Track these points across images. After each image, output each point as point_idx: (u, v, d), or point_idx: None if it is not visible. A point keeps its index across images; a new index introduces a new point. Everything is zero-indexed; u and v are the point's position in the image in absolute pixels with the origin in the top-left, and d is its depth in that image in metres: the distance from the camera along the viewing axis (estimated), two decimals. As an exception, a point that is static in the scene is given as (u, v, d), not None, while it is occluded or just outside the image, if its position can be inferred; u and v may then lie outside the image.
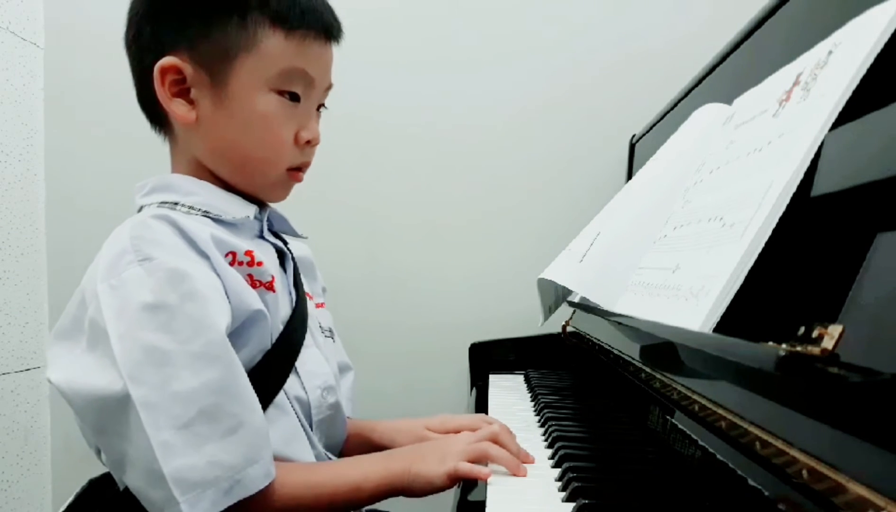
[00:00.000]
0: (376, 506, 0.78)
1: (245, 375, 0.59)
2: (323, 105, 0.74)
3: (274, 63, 0.66)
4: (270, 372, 0.65)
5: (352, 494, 0.62)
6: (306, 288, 0.77)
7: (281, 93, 0.67)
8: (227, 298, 0.61)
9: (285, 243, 0.76)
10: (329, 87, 0.73)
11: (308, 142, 0.70)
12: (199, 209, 0.66)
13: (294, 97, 0.68)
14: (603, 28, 1.37)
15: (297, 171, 0.72)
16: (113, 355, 0.54)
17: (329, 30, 0.70)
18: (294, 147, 0.70)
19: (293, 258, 0.75)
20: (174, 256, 0.59)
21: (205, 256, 0.61)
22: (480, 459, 0.62)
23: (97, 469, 0.69)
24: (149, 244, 0.59)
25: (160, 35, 0.66)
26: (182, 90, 0.66)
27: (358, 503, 0.63)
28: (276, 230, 0.76)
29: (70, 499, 0.67)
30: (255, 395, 0.59)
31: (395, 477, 0.62)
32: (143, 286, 0.57)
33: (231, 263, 0.63)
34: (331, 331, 0.82)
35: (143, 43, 0.67)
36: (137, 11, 0.68)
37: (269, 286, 0.66)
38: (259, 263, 0.66)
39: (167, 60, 0.65)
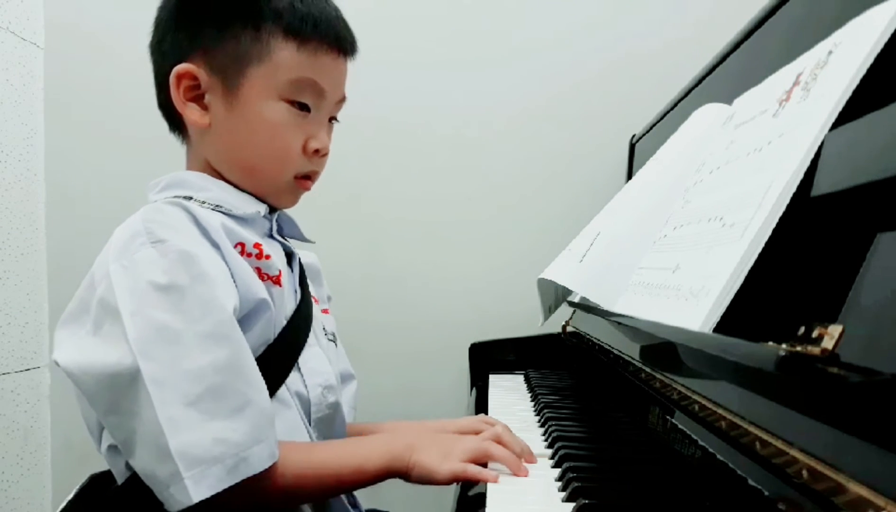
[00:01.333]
0: (377, 505, 0.78)
1: (252, 356, 0.60)
2: (335, 118, 0.75)
3: (285, 73, 0.67)
4: (272, 365, 0.65)
5: (354, 475, 0.62)
6: (313, 293, 0.78)
7: (291, 102, 0.68)
8: (235, 284, 0.62)
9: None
10: (342, 100, 0.74)
11: (316, 151, 0.71)
12: (212, 204, 0.67)
13: (304, 107, 0.69)
14: (603, 28, 1.37)
15: (305, 179, 0.73)
16: (124, 332, 0.55)
17: (341, 43, 0.71)
18: (302, 156, 0.71)
19: (300, 260, 0.76)
20: (185, 239, 0.60)
21: (214, 243, 0.62)
22: (483, 459, 0.62)
23: (97, 469, 0.69)
24: (161, 227, 0.60)
25: (179, 42, 0.68)
26: (197, 95, 0.68)
27: (360, 484, 0.64)
28: (286, 234, 0.78)
29: (72, 494, 0.67)
30: (261, 377, 0.60)
31: (396, 458, 0.62)
32: (156, 267, 0.58)
33: (240, 254, 0.64)
34: (334, 335, 0.83)
35: (165, 49, 0.69)
36: (162, 18, 0.71)
37: (276, 280, 0.67)
38: (267, 257, 0.67)
39: (182, 66, 0.67)
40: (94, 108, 1.39)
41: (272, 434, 0.58)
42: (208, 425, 0.55)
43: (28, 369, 1.37)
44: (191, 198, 0.67)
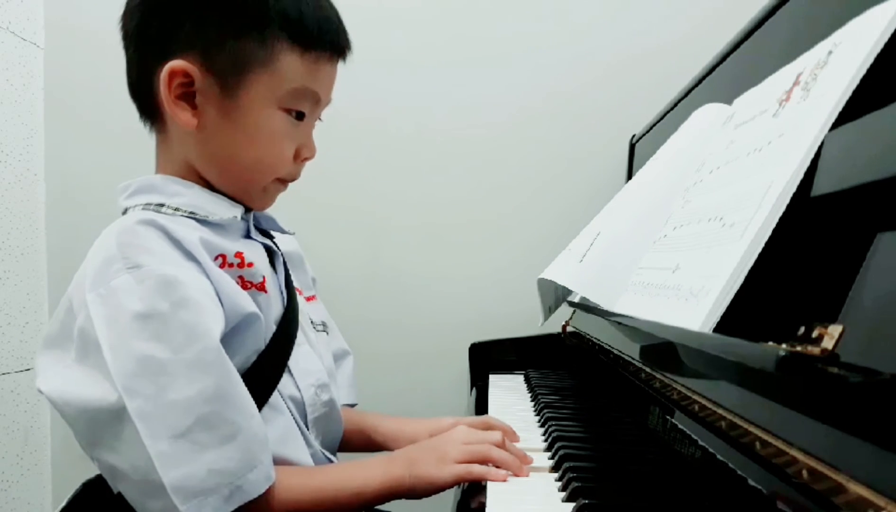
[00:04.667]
0: (376, 505, 0.78)
1: (241, 380, 0.58)
2: (318, 119, 0.74)
3: (287, 82, 0.65)
4: (264, 373, 0.65)
5: (353, 499, 0.62)
6: (296, 282, 0.76)
7: (288, 111, 0.67)
8: (220, 301, 0.60)
9: (273, 240, 0.75)
10: (328, 103, 0.73)
11: (305, 158, 0.71)
12: (185, 210, 0.65)
13: (299, 115, 0.68)
14: (603, 28, 1.37)
15: (284, 181, 0.72)
16: (105, 367, 0.54)
17: (342, 52, 0.70)
18: (291, 162, 0.70)
19: (282, 255, 0.75)
20: (164, 262, 0.58)
21: (195, 260, 0.60)
22: (482, 461, 0.62)
23: (97, 470, 0.69)
24: (137, 251, 0.58)
25: (170, 33, 0.64)
26: (186, 94, 0.64)
27: (359, 507, 0.63)
28: (264, 228, 0.75)
29: (64, 502, 0.66)
30: (251, 399, 0.59)
31: (395, 481, 0.62)
32: (133, 295, 0.56)
33: (221, 266, 0.62)
34: (324, 324, 0.81)
35: (150, 36, 0.65)
36: (147, 3, 0.66)
37: (261, 287, 0.66)
38: (249, 265, 0.65)
39: (178, 64, 0.63)
40: (94, 108, 1.39)
41: (267, 457, 0.58)
42: (201, 457, 0.54)
43: (28, 369, 1.37)
44: (163, 204, 0.64)
